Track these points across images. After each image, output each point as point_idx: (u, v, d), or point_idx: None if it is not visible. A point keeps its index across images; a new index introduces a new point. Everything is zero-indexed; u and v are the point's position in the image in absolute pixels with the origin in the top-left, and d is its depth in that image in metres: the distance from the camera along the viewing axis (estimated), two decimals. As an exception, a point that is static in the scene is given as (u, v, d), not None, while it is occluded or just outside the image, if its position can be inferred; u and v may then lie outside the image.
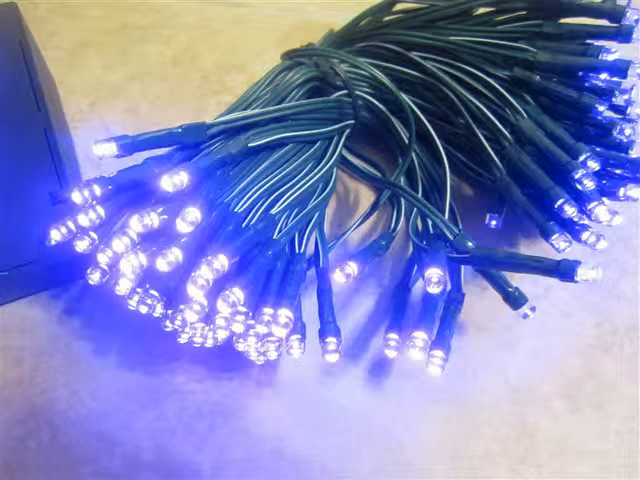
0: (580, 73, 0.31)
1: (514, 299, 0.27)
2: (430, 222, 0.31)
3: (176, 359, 0.30)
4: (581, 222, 0.28)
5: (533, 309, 0.27)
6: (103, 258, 0.26)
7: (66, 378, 0.29)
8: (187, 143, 0.29)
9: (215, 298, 0.24)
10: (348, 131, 0.35)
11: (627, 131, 0.30)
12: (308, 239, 0.30)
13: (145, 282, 0.26)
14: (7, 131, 0.32)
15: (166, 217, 0.25)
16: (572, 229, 0.28)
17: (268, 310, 0.25)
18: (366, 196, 0.36)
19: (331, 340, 0.27)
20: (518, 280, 0.28)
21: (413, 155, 0.34)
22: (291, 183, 0.30)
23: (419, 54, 0.35)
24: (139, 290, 0.26)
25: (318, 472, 0.27)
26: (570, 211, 0.28)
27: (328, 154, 0.33)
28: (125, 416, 0.28)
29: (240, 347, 0.27)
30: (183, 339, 0.27)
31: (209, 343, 0.27)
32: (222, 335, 0.26)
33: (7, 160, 0.31)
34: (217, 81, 0.42)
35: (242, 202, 0.28)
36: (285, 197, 0.29)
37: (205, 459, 0.27)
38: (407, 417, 0.29)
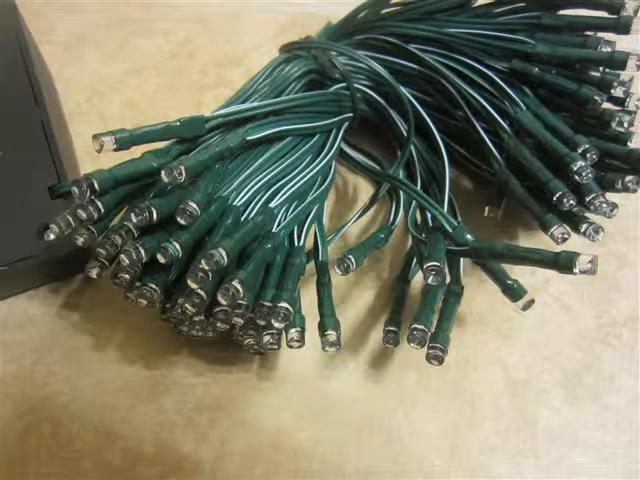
0: (579, 65, 0.31)
1: (513, 291, 0.27)
2: (429, 215, 0.31)
3: (175, 352, 0.30)
4: (580, 214, 0.28)
5: (532, 301, 0.27)
6: (102, 252, 0.26)
7: (66, 372, 0.29)
8: (185, 136, 0.29)
9: (214, 291, 0.24)
10: (347, 124, 0.35)
11: (626, 123, 0.30)
12: (307, 232, 0.30)
13: (144, 276, 0.26)
14: (5, 125, 0.32)
15: (165, 211, 0.25)
16: (571, 221, 0.28)
17: (267, 303, 0.25)
18: (365, 189, 0.36)
19: (331, 333, 0.27)
20: (517, 272, 0.28)
21: (412, 148, 0.34)
22: (290, 176, 0.30)
23: (417, 46, 0.35)
24: (138, 284, 0.26)
25: (318, 464, 0.27)
26: (569, 203, 0.28)
27: (327, 147, 0.33)
28: (125, 410, 0.28)
29: (239, 340, 0.27)
30: (182, 332, 0.27)
31: (208, 336, 0.27)
32: (221, 328, 0.26)
33: (5, 154, 0.31)
34: (215, 75, 0.42)
35: (241, 195, 0.28)
36: (284, 190, 0.29)
37: (205, 452, 0.27)
38: (407, 409, 0.29)
